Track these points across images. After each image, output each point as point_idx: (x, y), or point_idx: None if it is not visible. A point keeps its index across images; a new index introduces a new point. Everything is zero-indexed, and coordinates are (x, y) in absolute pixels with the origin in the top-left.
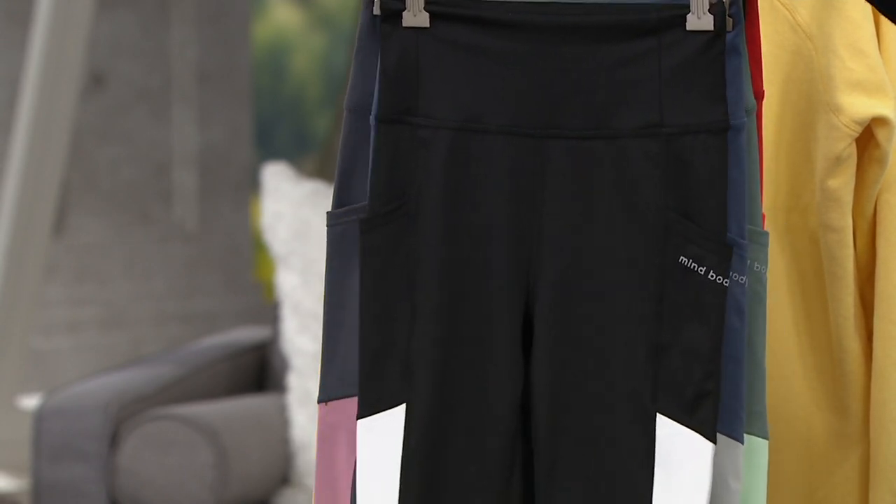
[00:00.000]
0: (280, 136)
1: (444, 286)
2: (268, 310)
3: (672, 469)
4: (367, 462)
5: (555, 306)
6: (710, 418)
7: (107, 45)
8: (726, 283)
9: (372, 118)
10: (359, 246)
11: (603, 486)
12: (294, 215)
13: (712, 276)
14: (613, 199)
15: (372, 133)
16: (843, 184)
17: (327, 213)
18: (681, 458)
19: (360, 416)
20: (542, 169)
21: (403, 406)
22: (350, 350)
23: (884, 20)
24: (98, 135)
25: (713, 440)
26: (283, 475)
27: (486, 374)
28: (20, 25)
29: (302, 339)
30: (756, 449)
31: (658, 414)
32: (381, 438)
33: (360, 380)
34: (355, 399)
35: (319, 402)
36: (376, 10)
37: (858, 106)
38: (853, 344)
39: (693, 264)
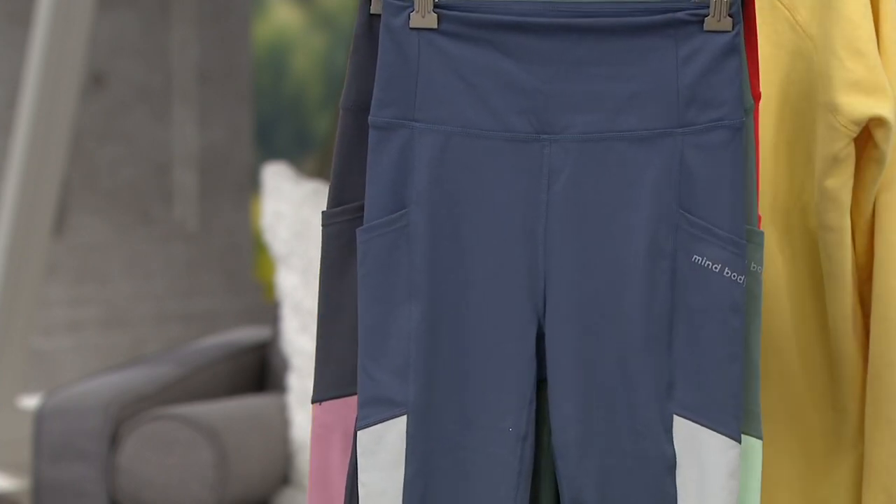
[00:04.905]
0: (280, 136)
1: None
2: (268, 310)
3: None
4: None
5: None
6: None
7: (107, 45)
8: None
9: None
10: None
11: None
12: (294, 215)
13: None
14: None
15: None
16: (841, 184)
17: (322, 212)
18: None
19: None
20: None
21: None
22: (345, 350)
23: (883, 20)
24: (98, 135)
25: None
26: (283, 475)
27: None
28: (20, 25)
29: (302, 339)
30: (751, 449)
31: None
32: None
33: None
34: (350, 399)
35: (314, 402)
36: (374, 10)
37: (856, 106)
38: (851, 344)
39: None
